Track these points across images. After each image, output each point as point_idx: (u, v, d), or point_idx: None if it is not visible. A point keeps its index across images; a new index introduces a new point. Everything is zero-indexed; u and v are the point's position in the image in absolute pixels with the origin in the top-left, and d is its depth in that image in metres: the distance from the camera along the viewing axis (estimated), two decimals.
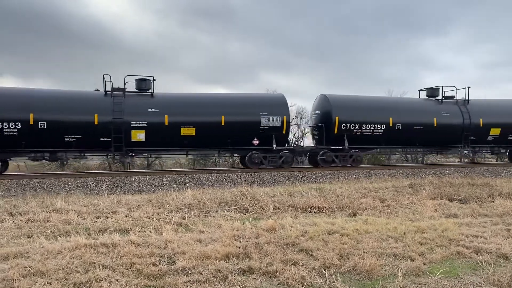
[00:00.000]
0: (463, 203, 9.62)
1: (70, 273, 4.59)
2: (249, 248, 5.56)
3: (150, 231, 6.69)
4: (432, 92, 20.74)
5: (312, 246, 5.66)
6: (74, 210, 8.41)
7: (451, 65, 78.41)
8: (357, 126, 18.39)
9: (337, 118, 18.21)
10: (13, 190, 12.87)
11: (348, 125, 18.31)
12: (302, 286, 4.36)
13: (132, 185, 14.09)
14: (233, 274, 4.61)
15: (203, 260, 5.05)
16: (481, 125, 20.08)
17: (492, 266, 4.97)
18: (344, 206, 9.01)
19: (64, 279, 4.42)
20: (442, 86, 20.62)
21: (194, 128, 16.45)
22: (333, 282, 4.47)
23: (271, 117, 17.28)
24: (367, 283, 4.51)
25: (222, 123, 16.70)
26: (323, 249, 5.53)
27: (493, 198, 10.18)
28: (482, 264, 5.09)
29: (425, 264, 5.08)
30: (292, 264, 4.96)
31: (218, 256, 5.17)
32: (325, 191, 10.86)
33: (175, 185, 14.04)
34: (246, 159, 17.53)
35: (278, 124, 17.31)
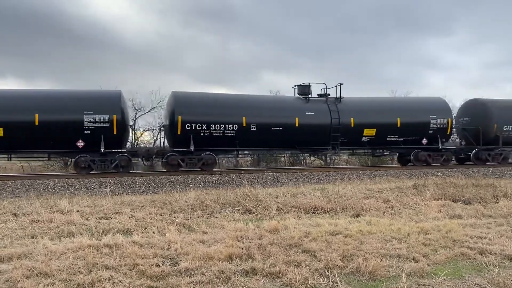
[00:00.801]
0: (467, 204, 9.58)
1: (74, 274, 4.60)
2: (252, 249, 5.55)
3: (153, 232, 6.70)
4: (303, 89, 18.97)
5: (316, 247, 5.64)
6: (78, 211, 8.44)
7: (455, 65, 78.10)
8: (204, 126, 16.77)
9: (179, 117, 16.62)
10: (17, 190, 12.92)
11: (193, 125, 16.66)
12: (305, 287, 4.35)
13: (136, 185, 14.11)
14: (236, 275, 4.61)
15: (206, 261, 5.05)
16: (352, 125, 18.23)
17: (497, 267, 4.95)
18: (347, 207, 8.99)
19: (67, 279, 4.44)
20: (310, 83, 18.88)
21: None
22: (337, 283, 4.46)
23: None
24: (371, 284, 4.50)
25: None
26: (326, 250, 5.51)
27: (497, 199, 10.14)
28: (487, 266, 5.06)
29: (429, 265, 5.06)
30: (295, 265, 4.95)
31: (221, 257, 5.17)
32: (328, 192, 10.84)
33: (178, 186, 14.05)
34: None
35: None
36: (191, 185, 14.08)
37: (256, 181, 15.04)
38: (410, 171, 17.66)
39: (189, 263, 4.96)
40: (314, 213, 8.66)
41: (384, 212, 8.63)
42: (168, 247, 5.72)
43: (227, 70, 70.54)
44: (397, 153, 21.25)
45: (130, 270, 4.80)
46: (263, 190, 11.03)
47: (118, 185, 14.02)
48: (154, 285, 4.36)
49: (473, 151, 20.41)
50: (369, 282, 4.56)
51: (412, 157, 19.43)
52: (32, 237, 6.50)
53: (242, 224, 7.22)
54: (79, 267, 4.79)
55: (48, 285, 4.27)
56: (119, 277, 4.54)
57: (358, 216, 8.29)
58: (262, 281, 4.48)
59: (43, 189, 13.19)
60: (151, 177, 15.15)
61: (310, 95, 18.83)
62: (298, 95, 19.12)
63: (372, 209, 8.85)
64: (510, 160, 21.26)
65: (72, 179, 14.29)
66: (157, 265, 4.93)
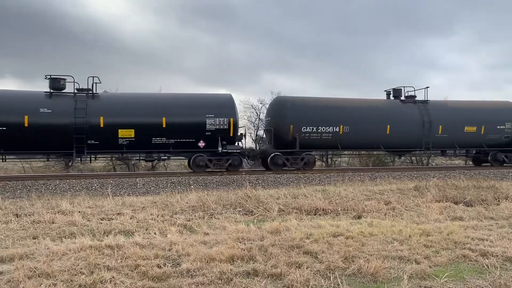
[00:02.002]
0: (468, 206, 9.57)
1: (75, 275, 4.60)
2: (253, 250, 5.55)
3: (154, 233, 6.70)
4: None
5: (317, 249, 5.64)
6: (79, 212, 8.44)
7: (457, 66, 78.06)
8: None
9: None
10: (18, 191, 12.93)
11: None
12: None
13: (137, 187, 14.12)
14: (237, 276, 4.61)
15: (207, 262, 5.05)
16: (101, 125, 15.85)
17: (498, 269, 4.94)
18: (349, 209, 8.98)
19: (69, 280, 4.44)
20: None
21: None
22: (338, 285, 4.46)
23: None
24: (372, 286, 4.50)
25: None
26: (327, 252, 5.51)
27: (499, 201, 10.13)
28: (488, 268, 5.05)
29: (430, 267, 5.06)
30: (296, 266, 4.95)
31: (222, 258, 5.17)
32: (329, 193, 10.83)
33: (179, 187, 14.05)
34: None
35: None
36: (192, 186, 14.08)
37: (257, 182, 15.04)
38: (412, 173, 17.65)
39: (191, 264, 4.96)
40: (315, 214, 8.66)
41: (386, 214, 8.62)
42: (170, 248, 5.72)
43: (227, 71, 70.55)
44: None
45: (132, 271, 4.80)
46: (264, 191, 11.03)
47: (119, 186, 14.03)
48: (155, 286, 4.36)
49: (271, 155, 18.07)
50: (371, 283, 4.56)
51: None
52: (34, 238, 6.51)
53: (244, 225, 7.22)
54: (81, 268, 4.80)
55: (50, 285, 4.27)
56: (121, 278, 4.54)
57: (359, 217, 8.29)
58: (264, 282, 4.48)
59: (44, 189, 13.20)
60: (152, 178, 15.16)
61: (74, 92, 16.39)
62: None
63: (373, 211, 8.85)
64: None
65: (74, 180, 14.30)
66: (159, 266, 4.93)
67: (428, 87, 20.19)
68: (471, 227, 7.30)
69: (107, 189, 12.88)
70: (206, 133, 16.89)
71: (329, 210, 8.86)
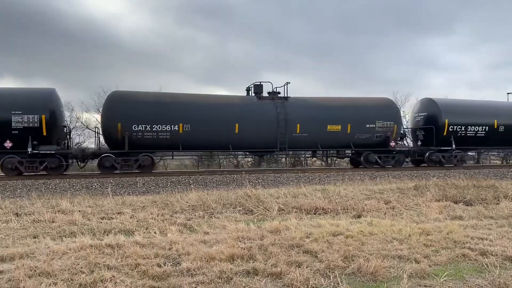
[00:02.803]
0: (468, 205, 9.58)
1: (76, 274, 4.61)
2: (253, 249, 5.56)
3: (154, 232, 6.71)
4: None
5: (317, 248, 5.65)
6: (79, 211, 8.45)
7: (456, 65, 77.96)
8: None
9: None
10: (18, 191, 12.94)
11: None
12: (307, 287, 4.35)
13: (137, 186, 14.12)
14: (237, 276, 4.62)
15: (207, 261, 5.06)
16: None
17: (498, 268, 4.95)
18: (348, 208, 9.00)
19: (69, 279, 4.45)
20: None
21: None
22: (338, 284, 4.46)
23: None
24: (372, 285, 4.50)
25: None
26: (327, 251, 5.52)
27: (498, 200, 10.14)
28: (488, 267, 5.06)
29: (430, 266, 5.06)
30: (296, 265, 4.96)
31: (222, 257, 5.18)
32: (329, 192, 10.84)
33: (179, 186, 14.06)
34: None
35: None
36: (192, 186, 14.09)
37: (257, 181, 15.05)
38: (411, 172, 17.66)
39: (191, 263, 4.97)
40: (315, 213, 8.67)
41: (385, 213, 8.64)
42: (170, 247, 5.73)
43: (225, 70, 70.45)
44: None
45: (132, 270, 4.81)
46: (264, 191, 11.04)
47: (119, 185, 14.04)
48: (156, 285, 4.37)
49: (100, 157, 16.56)
50: (370, 282, 4.57)
51: None
52: (34, 237, 6.52)
53: (244, 224, 7.23)
54: (81, 267, 4.81)
55: (50, 285, 4.28)
56: (121, 277, 4.55)
57: (359, 217, 8.30)
58: (264, 281, 4.49)
59: (44, 189, 13.21)
60: (152, 177, 15.17)
61: None
62: None
63: (373, 210, 8.86)
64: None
65: (74, 179, 14.31)
66: (159, 265, 4.94)
67: (289, 82, 18.72)
68: (471, 226, 7.31)
69: (107, 188, 12.89)
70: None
71: (329, 210, 8.87)
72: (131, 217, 8.03)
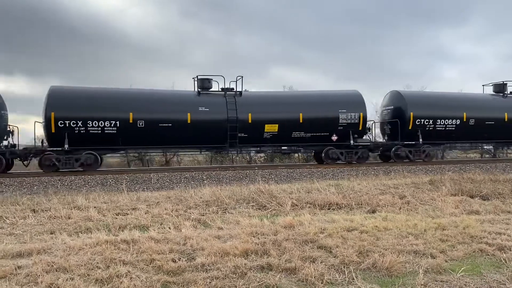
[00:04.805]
0: (485, 200, 9.44)
1: (92, 269, 4.66)
2: (267, 244, 5.56)
3: (169, 228, 6.75)
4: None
5: (331, 243, 5.62)
6: (95, 207, 8.54)
7: (470, 56, 76.55)
8: None
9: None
10: (35, 187, 13.14)
11: None
12: (322, 283, 4.34)
13: (151, 182, 14.24)
14: (252, 271, 4.62)
15: (222, 256, 5.07)
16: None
17: None
18: (363, 203, 8.92)
19: (86, 274, 4.50)
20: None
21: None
22: (353, 279, 4.44)
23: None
24: (387, 280, 4.47)
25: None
26: (342, 246, 5.49)
27: None
28: (506, 262, 4.99)
29: (446, 262, 5.00)
30: (311, 261, 4.94)
31: (236, 252, 5.19)
32: (343, 187, 10.78)
33: (193, 182, 14.12)
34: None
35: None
36: (205, 182, 14.15)
37: (270, 177, 15.04)
38: (426, 167, 17.47)
39: (205, 258, 4.98)
40: (329, 209, 8.62)
41: (400, 208, 8.55)
42: (184, 242, 5.75)
43: (235, 65, 70.19)
44: None
45: (147, 265, 4.85)
46: (277, 186, 11.02)
47: (134, 181, 14.16)
48: (170, 280, 4.40)
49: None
50: (386, 278, 4.53)
51: None
52: (51, 233, 6.61)
53: (257, 220, 7.23)
54: (97, 263, 4.86)
55: (67, 280, 4.33)
56: (136, 272, 4.59)
57: (373, 212, 8.24)
58: (278, 276, 4.48)
59: (60, 185, 13.39)
60: (166, 173, 15.27)
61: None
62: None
63: (387, 205, 8.77)
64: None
65: (89, 176, 14.47)
66: (174, 261, 4.97)
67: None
68: (488, 221, 7.20)
69: (122, 184, 13.01)
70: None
71: (343, 205, 8.81)
72: (145, 213, 8.09)
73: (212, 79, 17.87)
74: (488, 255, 5.30)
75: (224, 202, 8.95)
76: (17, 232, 6.72)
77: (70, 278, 4.37)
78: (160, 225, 7.07)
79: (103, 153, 17.32)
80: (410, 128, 19.28)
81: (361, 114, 18.53)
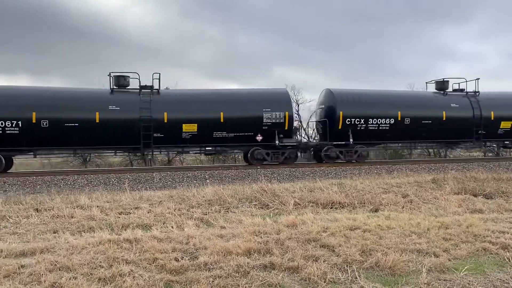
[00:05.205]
0: (488, 198, 9.41)
1: (95, 268, 4.67)
2: (270, 243, 5.56)
3: (172, 227, 6.76)
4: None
5: (334, 242, 5.62)
6: (98, 206, 8.55)
7: (473, 54, 76.22)
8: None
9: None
10: (38, 186, 13.17)
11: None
12: (324, 282, 4.33)
13: (154, 181, 14.25)
14: (254, 270, 4.62)
15: (224, 255, 5.07)
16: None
17: None
18: (365, 202, 8.91)
19: (89, 273, 4.51)
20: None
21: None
22: (356, 278, 4.43)
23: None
24: (390, 279, 4.46)
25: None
26: (345, 245, 5.48)
27: None
28: (509, 261, 4.97)
29: (449, 260, 4.99)
30: (313, 260, 4.94)
31: (239, 251, 5.19)
32: (346, 186, 10.77)
33: (195, 181, 14.13)
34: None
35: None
36: (208, 181, 14.15)
37: (272, 176, 15.03)
38: (429, 165, 17.43)
39: (208, 257, 4.99)
40: (331, 208, 8.61)
41: (403, 207, 8.54)
42: (187, 241, 5.76)
43: (236, 64, 70.15)
44: None
45: (150, 264, 4.85)
46: (279, 185, 11.01)
47: (136, 180, 14.18)
48: (173, 279, 4.40)
49: None
50: (389, 277, 4.52)
51: None
52: (54, 232, 6.62)
53: (260, 219, 7.22)
54: (100, 262, 4.87)
55: (70, 279, 4.35)
56: (139, 271, 4.59)
57: (376, 210, 8.22)
58: (281, 275, 4.48)
59: (63, 185, 13.43)
60: (168, 172, 15.28)
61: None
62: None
63: (390, 204, 8.76)
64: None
65: (91, 175, 14.51)
66: (176, 260, 4.97)
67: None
68: (491, 220, 7.18)
69: (124, 183, 13.02)
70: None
71: (346, 204, 8.80)
72: (148, 212, 8.10)
73: (129, 77, 17.13)
74: (492, 254, 5.29)
75: (227, 201, 8.95)
76: (20, 231, 6.74)
77: (73, 277, 4.39)
78: (163, 224, 7.07)
79: (8, 155, 16.23)
80: (340, 128, 18.47)
81: (287, 113, 17.69)
